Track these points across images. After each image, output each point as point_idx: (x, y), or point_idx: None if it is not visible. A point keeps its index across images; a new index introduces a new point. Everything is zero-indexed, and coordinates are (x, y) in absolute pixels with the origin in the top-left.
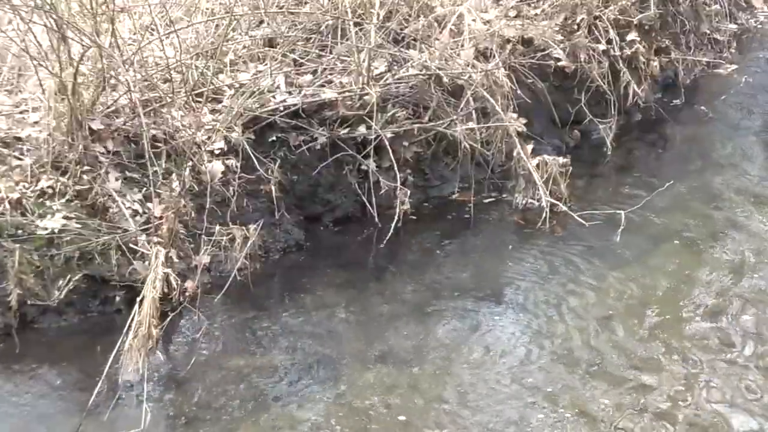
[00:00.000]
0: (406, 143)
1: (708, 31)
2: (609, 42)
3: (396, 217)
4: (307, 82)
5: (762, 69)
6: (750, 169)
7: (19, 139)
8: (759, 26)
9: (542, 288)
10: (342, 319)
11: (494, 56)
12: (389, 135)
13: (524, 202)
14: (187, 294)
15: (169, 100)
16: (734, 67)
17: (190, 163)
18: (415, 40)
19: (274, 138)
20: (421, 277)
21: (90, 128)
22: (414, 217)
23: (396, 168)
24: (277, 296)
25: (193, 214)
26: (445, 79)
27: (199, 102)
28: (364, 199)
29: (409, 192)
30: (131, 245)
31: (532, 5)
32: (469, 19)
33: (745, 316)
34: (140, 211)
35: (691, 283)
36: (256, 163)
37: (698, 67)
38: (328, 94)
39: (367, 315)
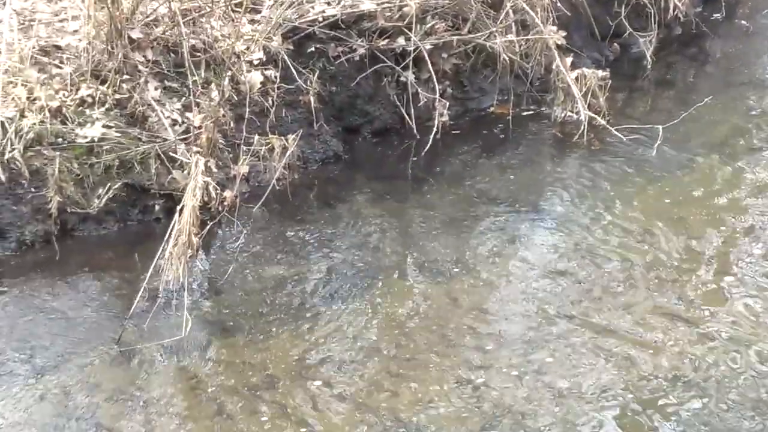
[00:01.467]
0: (445, 55)
1: None
2: None
3: (434, 129)
4: None
5: None
6: None
7: (58, 47)
8: None
9: (579, 201)
10: (379, 230)
11: None
12: (428, 47)
13: (563, 115)
14: (226, 203)
15: (208, 9)
16: None
17: (229, 73)
18: None
19: (313, 49)
20: (458, 189)
21: (129, 37)
22: (453, 130)
23: (435, 80)
24: (315, 207)
25: (232, 124)
26: None
27: (238, 12)
28: (403, 111)
29: (447, 104)
30: (171, 154)
31: None
32: None
33: None
34: (179, 120)
35: (729, 201)
36: (294, 73)
37: None
38: (367, 5)
39: (404, 226)
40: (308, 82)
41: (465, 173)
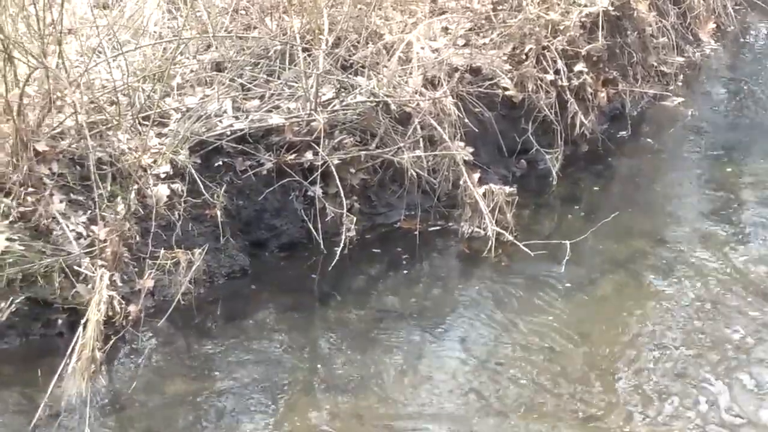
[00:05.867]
0: (352, 170)
1: (655, 64)
2: (557, 72)
3: (342, 244)
4: (254, 107)
5: (708, 102)
6: (695, 203)
7: None
8: (706, 59)
9: (487, 317)
10: (285, 346)
11: (442, 84)
12: (336, 161)
13: (470, 230)
14: (130, 318)
15: (115, 122)
16: (681, 99)
17: (135, 187)
18: (363, 67)
19: (221, 162)
20: (366, 304)
21: (35, 149)
22: (360, 245)
23: (342, 195)
24: (220, 322)
25: (137, 238)
26: (392, 107)
27: (146, 125)
28: (310, 226)
29: (355, 219)
30: (75, 268)
31: (481, 34)
32: (418, 47)
33: (681, 345)
34: (84, 233)
35: (634, 316)
36: (201, 187)
37: (645, 99)
38: (276, 119)
39: (310, 342)
40: (215, 196)
41: (372, 288)
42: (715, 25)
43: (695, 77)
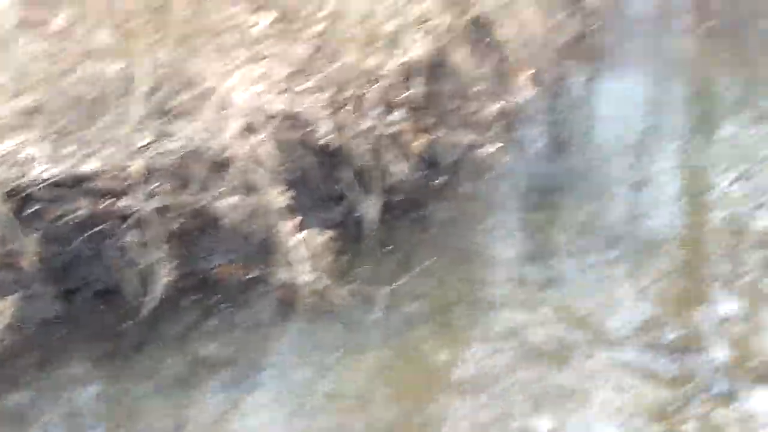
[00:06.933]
0: (169, 217)
1: (472, 111)
2: (374, 119)
3: (157, 291)
4: (70, 153)
5: (524, 148)
6: (510, 247)
7: None
8: (522, 106)
9: (302, 363)
10: (99, 395)
11: (260, 130)
12: (152, 208)
13: (287, 277)
14: None
15: None
16: (497, 146)
17: None
18: (181, 113)
19: (34, 209)
20: (181, 351)
21: None
22: (176, 291)
23: (158, 241)
24: (32, 371)
25: None
26: (210, 153)
27: None
28: (125, 273)
29: (171, 266)
30: None
31: (299, 80)
32: (236, 93)
33: (499, 389)
34: None
35: (449, 360)
36: (14, 234)
37: (462, 146)
38: (91, 165)
39: (125, 391)
40: (28, 243)
41: (188, 335)
42: (531, 73)
43: (511, 124)
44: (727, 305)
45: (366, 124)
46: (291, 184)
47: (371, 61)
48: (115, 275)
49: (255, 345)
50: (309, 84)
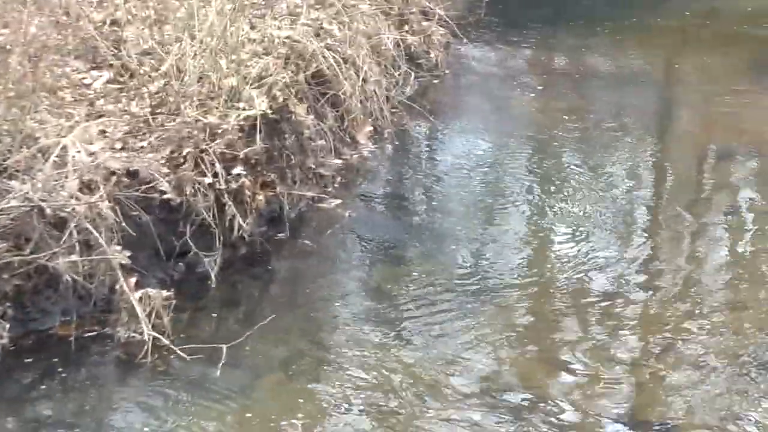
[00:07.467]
0: (6, 276)
1: (313, 166)
2: (215, 175)
3: None
4: None
5: (366, 203)
6: (353, 304)
7: None
8: (363, 161)
9: (141, 424)
10: None
11: (99, 188)
12: None
13: (127, 335)
14: None
15: None
16: (338, 201)
17: None
18: (17, 171)
19: None
20: (20, 413)
21: None
22: (13, 353)
23: None
24: None
25: None
26: (48, 211)
27: None
28: None
29: (7, 326)
30: None
31: (139, 137)
32: (74, 151)
33: None
34: None
35: (292, 419)
36: None
37: (303, 201)
38: None
39: None
40: None
41: (26, 397)
42: (372, 128)
43: (353, 179)
44: (573, 365)
45: (207, 180)
46: (130, 242)
47: (211, 118)
48: None
49: (96, 404)
50: (148, 141)
